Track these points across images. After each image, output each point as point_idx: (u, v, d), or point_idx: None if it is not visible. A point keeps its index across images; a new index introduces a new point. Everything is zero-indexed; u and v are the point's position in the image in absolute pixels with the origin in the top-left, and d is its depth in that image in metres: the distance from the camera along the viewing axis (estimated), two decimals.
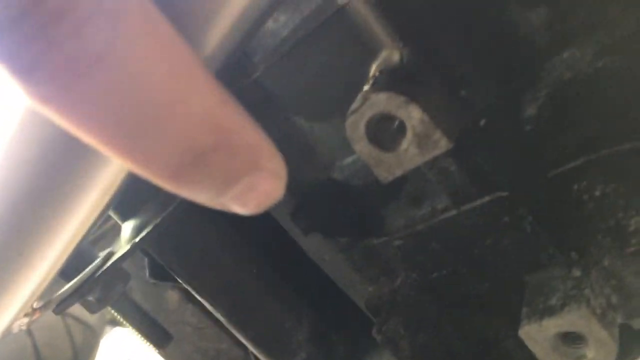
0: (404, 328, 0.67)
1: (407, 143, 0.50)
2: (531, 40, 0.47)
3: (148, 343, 0.88)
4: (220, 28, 0.34)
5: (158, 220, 0.65)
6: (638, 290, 0.56)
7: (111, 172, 0.34)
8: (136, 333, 0.87)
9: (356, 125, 0.51)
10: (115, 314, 0.79)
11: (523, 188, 0.55)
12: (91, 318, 1.84)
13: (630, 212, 0.52)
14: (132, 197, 0.70)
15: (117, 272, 0.71)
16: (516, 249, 0.60)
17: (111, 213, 0.71)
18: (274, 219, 0.82)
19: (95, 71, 0.21)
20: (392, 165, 0.52)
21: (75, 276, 0.73)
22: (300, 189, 0.70)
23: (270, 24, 0.58)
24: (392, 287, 0.72)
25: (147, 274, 0.86)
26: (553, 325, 0.54)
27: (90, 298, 0.70)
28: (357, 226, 0.70)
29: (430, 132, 0.49)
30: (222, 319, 0.73)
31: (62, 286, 0.73)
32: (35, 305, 0.69)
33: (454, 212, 0.61)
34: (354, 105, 0.50)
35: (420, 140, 0.49)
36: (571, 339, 0.54)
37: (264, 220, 0.82)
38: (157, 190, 0.68)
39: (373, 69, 0.56)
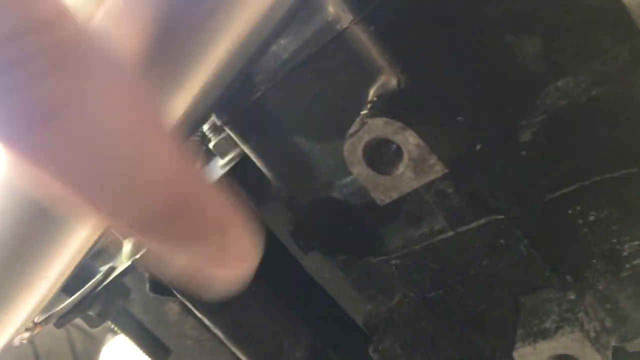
0: (401, 347, 0.67)
1: (403, 167, 0.51)
2: (526, 68, 0.48)
3: (148, 356, 0.89)
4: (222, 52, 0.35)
5: None
6: (632, 313, 0.57)
7: None
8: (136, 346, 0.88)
9: (354, 148, 0.52)
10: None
11: (519, 212, 0.56)
12: None
13: (623, 237, 0.53)
14: None
15: (117, 287, 0.71)
16: (512, 271, 0.60)
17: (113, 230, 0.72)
18: (274, 236, 0.82)
19: (53, 121, 0.21)
20: (388, 189, 0.53)
21: (77, 290, 0.74)
22: (300, 208, 0.71)
23: (271, 47, 0.60)
24: (389, 305, 0.72)
25: (148, 288, 0.87)
26: (547, 348, 0.54)
27: (91, 313, 0.71)
28: (355, 245, 0.71)
29: (426, 157, 0.49)
30: (220, 335, 0.74)
31: (64, 300, 0.74)
32: (36, 319, 0.70)
33: (450, 233, 0.61)
34: (352, 129, 0.51)
35: (416, 165, 0.50)
36: None
37: (264, 238, 0.83)
38: None
39: (371, 93, 0.57)
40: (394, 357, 0.67)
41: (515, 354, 0.56)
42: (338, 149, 0.59)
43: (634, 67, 0.45)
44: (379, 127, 0.49)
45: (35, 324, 0.69)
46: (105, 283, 0.71)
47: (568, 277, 0.57)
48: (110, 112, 0.22)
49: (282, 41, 0.58)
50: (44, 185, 0.23)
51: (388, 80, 0.54)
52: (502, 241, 0.59)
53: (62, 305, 0.72)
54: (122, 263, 0.70)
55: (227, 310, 0.72)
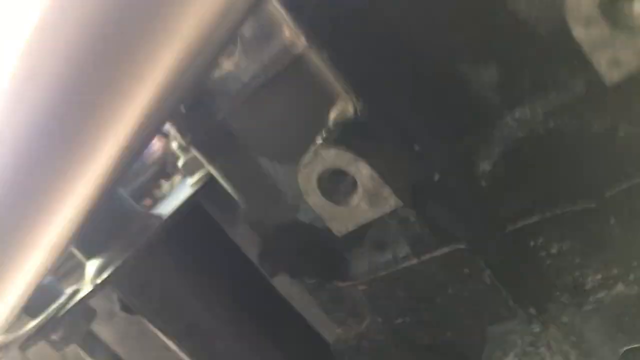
0: None
1: (358, 199, 0.49)
2: (483, 98, 0.47)
3: None
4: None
5: (119, 262, 0.65)
6: (598, 346, 0.55)
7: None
8: None
9: (308, 178, 0.51)
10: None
11: (480, 242, 0.54)
12: None
13: (586, 270, 0.51)
14: (96, 236, 0.69)
15: (81, 311, 0.70)
16: (477, 300, 0.59)
17: (75, 251, 0.71)
18: (245, 257, 0.81)
19: None
20: (345, 220, 0.52)
21: (41, 313, 0.72)
22: (266, 230, 0.69)
23: (231, 69, 0.58)
24: (359, 330, 0.71)
25: (119, 308, 0.86)
26: None
27: (54, 337, 0.70)
28: (323, 269, 0.69)
29: (379, 189, 0.48)
30: None
31: (27, 322, 0.73)
32: None
33: (415, 261, 0.60)
34: (305, 159, 0.50)
35: (370, 196, 0.49)
36: None
37: (236, 259, 0.81)
38: (120, 230, 0.68)
39: (331, 118, 0.55)
40: None
41: None
42: None
43: (590, 101, 0.43)
44: (332, 157, 0.48)
45: None
46: (69, 306, 0.70)
47: (531, 309, 0.55)
48: None
49: (242, 63, 0.57)
50: None
51: (345, 106, 0.53)
52: (466, 270, 0.57)
53: (24, 329, 0.70)
54: (85, 287, 0.69)
55: (192, 335, 0.71)
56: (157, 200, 1.03)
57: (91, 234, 0.69)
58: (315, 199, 0.51)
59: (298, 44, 0.52)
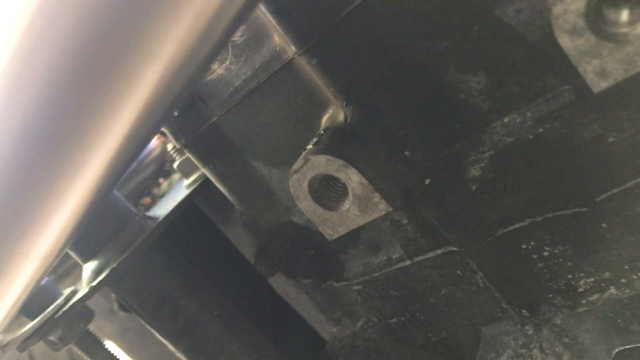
0: None
1: (348, 204, 0.49)
2: (472, 104, 0.46)
3: None
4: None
5: (115, 264, 0.65)
6: (591, 347, 0.55)
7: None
8: None
9: (299, 184, 0.51)
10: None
11: (471, 245, 0.54)
12: None
13: (578, 273, 0.51)
14: (92, 238, 0.69)
15: (78, 312, 0.71)
16: (470, 302, 0.59)
17: (72, 254, 0.71)
18: (241, 256, 0.81)
19: None
20: (335, 224, 0.52)
21: (39, 314, 0.73)
22: (262, 232, 0.69)
23: (223, 73, 0.58)
24: (354, 329, 0.71)
25: (116, 307, 0.86)
26: None
27: (52, 338, 0.70)
28: (318, 269, 0.69)
29: (369, 195, 0.48)
30: (183, 359, 0.73)
31: (25, 323, 0.74)
32: None
33: (408, 262, 0.60)
34: (296, 166, 0.50)
35: (360, 202, 0.49)
36: None
37: (233, 257, 0.82)
38: (116, 233, 0.68)
39: (322, 122, 0.55)
40: None
41: None
42: None
43: (579, 108, 0.43)
44: (322, 164, 0.48)
45: None
46: (66, 307, 0.70)
47: (524, 311, 0.56)
48: None
49: (234, 68, 0.57)
50: None
51: (336, 112, 0.53)
52: (458, 272, 0.57)
53: (22, 330, 0.71)
54: (82, 288, 0.70)
55: (188, 335, 0.72)
56: (156, 199, 1.04)
57: (87, 237, 0.69)
58: (306, 204, 0.51)
59: (288, 50, 0.52)
